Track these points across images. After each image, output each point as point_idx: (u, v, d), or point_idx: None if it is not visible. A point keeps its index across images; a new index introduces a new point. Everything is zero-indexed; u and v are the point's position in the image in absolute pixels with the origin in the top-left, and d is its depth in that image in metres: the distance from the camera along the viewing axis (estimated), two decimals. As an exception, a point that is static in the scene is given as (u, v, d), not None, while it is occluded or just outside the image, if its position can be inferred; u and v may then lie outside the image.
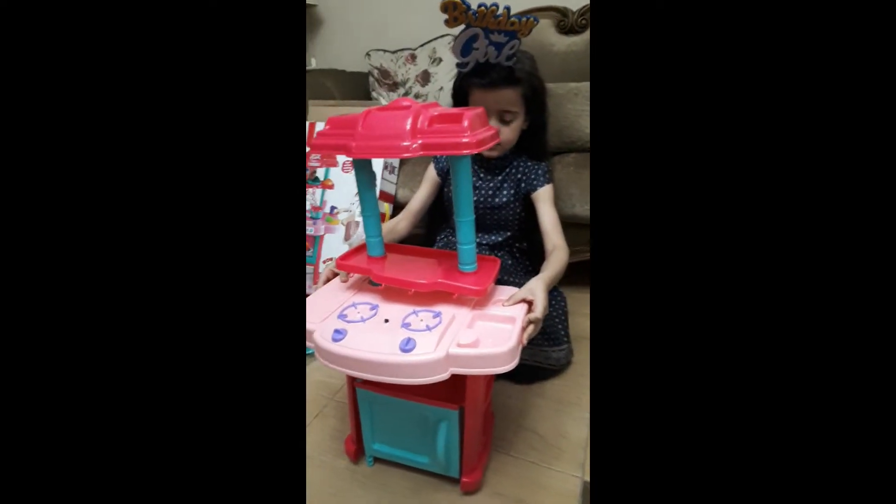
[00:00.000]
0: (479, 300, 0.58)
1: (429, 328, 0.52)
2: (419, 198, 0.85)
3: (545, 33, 1.36)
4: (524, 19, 0.58)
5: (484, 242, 0.83)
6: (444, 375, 0.49)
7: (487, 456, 0.66)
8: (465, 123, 0.46)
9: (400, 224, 0.83)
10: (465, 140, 0.46)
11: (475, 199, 0.80)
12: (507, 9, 0.58)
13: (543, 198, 0.77)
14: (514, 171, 0.80)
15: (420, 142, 0.46)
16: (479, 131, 0.47)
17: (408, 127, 0.46)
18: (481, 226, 0.82)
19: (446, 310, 0.56)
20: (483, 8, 0.56)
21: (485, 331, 0.53)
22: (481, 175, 0.81)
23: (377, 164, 1.11)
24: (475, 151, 0.46)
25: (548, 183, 0.77)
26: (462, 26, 0.58)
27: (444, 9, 0.55)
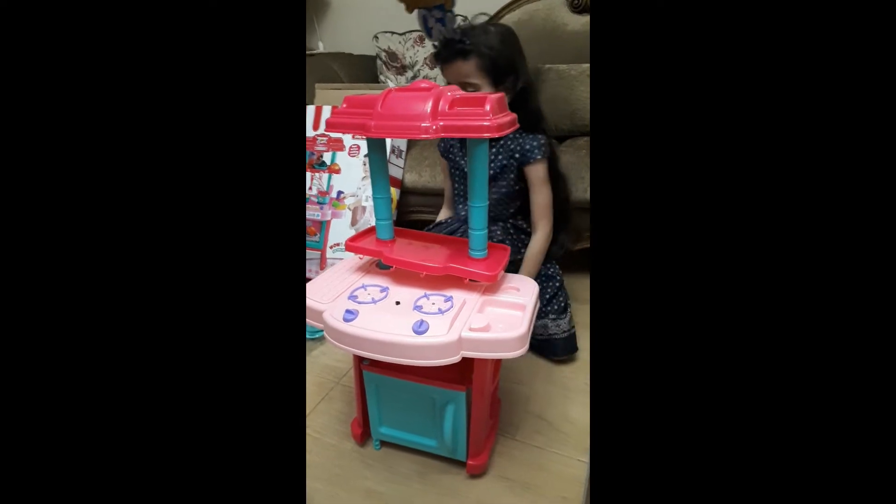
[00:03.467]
0: (488, 286, 0.59)
1: (441, 311, 0.52)
2: (449, 185, 0.90)
3: (558, 12, 1.34)
4: None
5: None
6: (456, 358, 0.50)
7: (493, 440, 0.66)
8: (487, 108, 0.45)
9: (444, 215, 0.90)
10: (485, 123, 0.45)
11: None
12: None
13: (537, 175, 0.77)
14: (508, 142, 0.79)
15: (441, 124, 0.46)
16: (500, 116, 0.47)
17: (428, 109, 0.46)
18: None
19: (457, 294, 0.56)
20: None
21: (495, 316, 0.54)
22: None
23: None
24: (496, 135, 0.45)
25: (543, 157, 0.76)
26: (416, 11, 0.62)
27: None
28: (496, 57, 0.71)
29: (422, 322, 0.49)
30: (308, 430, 0.72)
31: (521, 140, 0.78)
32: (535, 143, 0.76)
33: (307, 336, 0.95)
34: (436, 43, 0.68)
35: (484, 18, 0.83)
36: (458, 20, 0.71)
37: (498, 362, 0.66)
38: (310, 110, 1.21)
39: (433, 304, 0.54)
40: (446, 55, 0.72)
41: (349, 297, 0.56)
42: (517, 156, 0.78)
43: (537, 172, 0.76)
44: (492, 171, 0.80)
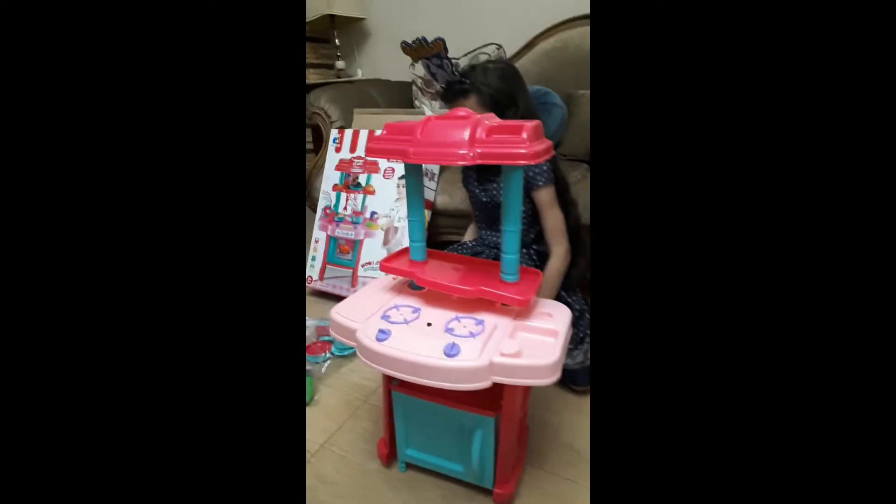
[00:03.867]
0: (520, 311, 0.58)
1: (472, 335, 0.52)
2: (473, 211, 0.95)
3: (586, 41, 1.37)
4: (434, 41, 0.75)
5: (496, 239, 0.87)
6: (487, 383, 0.49)
7: (521, 469, 0.65)
8: (524, 135, 0.46)
9: (469, 236, 0.96)
10: (522, 151, 0.46)
11: (485, 200, 0.84)
12: (437, 39, 0.74)
13: (543, 200, 0.78)
14: None
15: (479, 151, 0.47)
16: (536, 143, 0.48)
17: (466, 136, 0.48)
18: (495, 224, 0.87)
19: (488, 318, 0.56)
20: (416, 42, 0.75)
21: (527, 342, 0.53)
22: (490, 178, 0.84)
23: (418, 172, 1.14)
24: (532, 162, 0.46)
25: (548, 182, 0.77)
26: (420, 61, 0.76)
27: (404, 51, 0.76)
28: (494, 93, 0.76)
29: (453, 345, 0.50)
30: (334, 448, 0.72)
31: (524, 167, 0.80)
32: (537, 170, 0.77)
33: (336, 353, 0.96)
34: (442, 85, 0.78)
35: (493, 48, 0.90)
36: (481, 55, 0.84)
37: (528, 389, 0.65)
38: (348, 133, 1.26)
39: (464, 326, 0.54)
40: (449, 96, 0.79)
41: (382, 317, 0.57)
42: (522, 182, 0.80)
43: (543, 198, 0.78)
44: (501, 199, 0.82)
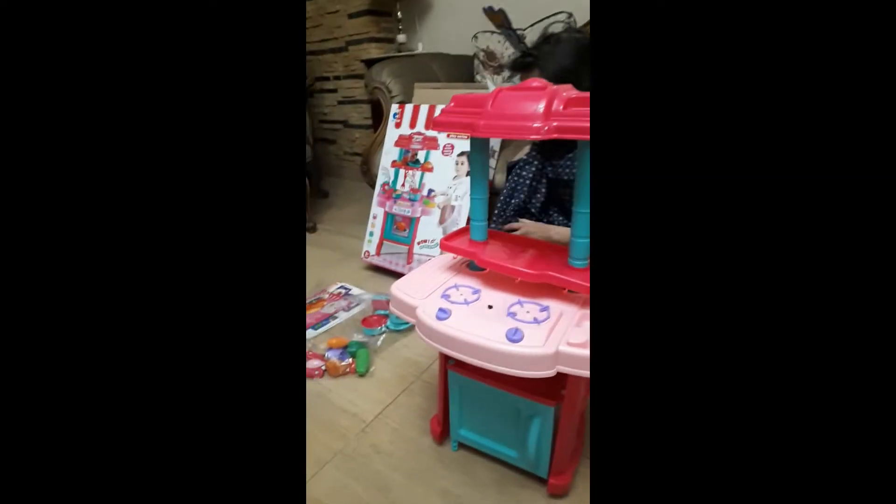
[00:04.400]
0: (588, 299, 0.55)
1: (536, 321, 0.50)
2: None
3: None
4: (497, 11, 0.74)
5: (560, 219, 0.85)
6: (551, 372, 0.47)
7: (578, 461, 0.63)
8: (607, 106, 0.42)
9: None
10: (604, 125, 0.42)
11: (551, 176, 0.82)
12: (499, 10, 0.75)
13: None
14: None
15: (555, 124, 0.43)
16: (620, 116, 0.43)
17: (541, 108, 0.44)
18: (556, 202, 0.85)
19: (554, 305, 0.53)
20: (488, 10, 0.75)
21: (594, 331, 0.50)
22: (561, 154, 0.82)
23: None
24: (616, 137, 0.42)
25: None
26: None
27: (487, 16, 0.79)
28: (557, 70, 0.73)
29: (516, 330, 0.48)
30: (388, 420, 0.74)
31: None
32: None
33: (392, 327, 0.98)
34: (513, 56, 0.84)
35: (564, 17, 0.88)
36: (551, 26, 0.88)
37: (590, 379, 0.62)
38: (408, 109, 1.24)
39: (528, 312, 0.52)
40: (514, 68, 0.81)
41: (442, 296, 0.56)
42: None
43: None
44: (567, 178, 0.80)
